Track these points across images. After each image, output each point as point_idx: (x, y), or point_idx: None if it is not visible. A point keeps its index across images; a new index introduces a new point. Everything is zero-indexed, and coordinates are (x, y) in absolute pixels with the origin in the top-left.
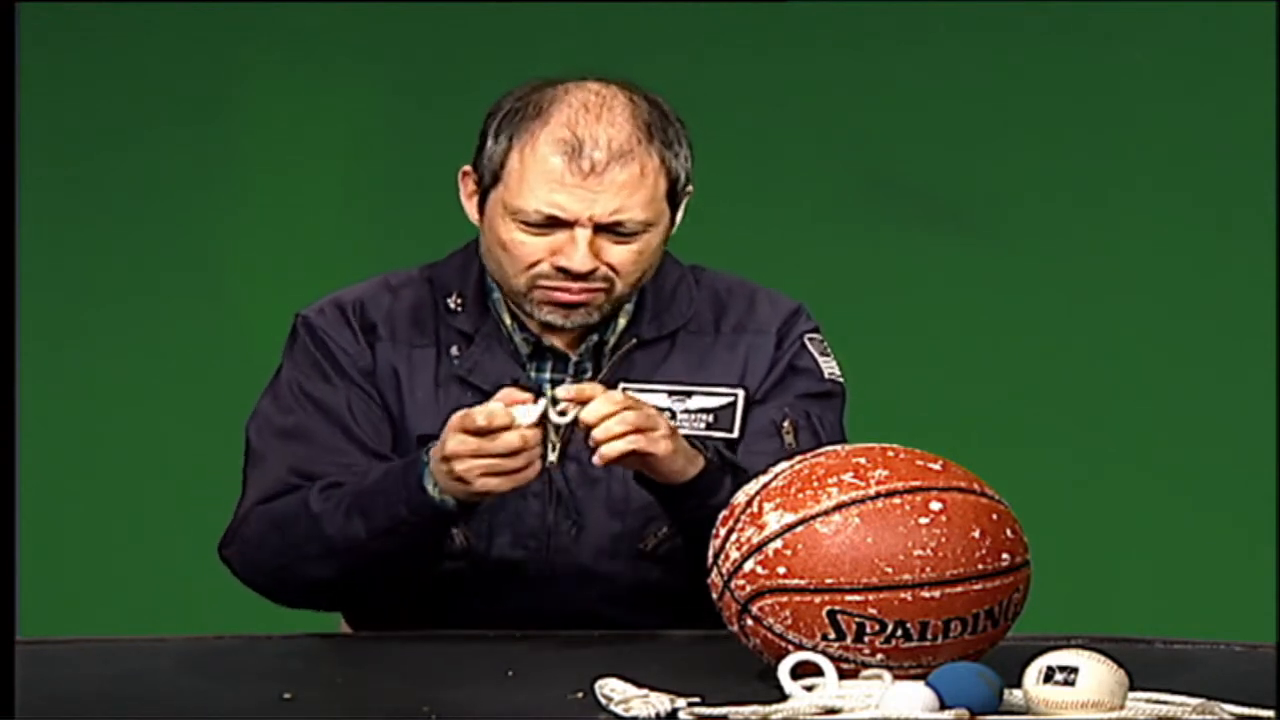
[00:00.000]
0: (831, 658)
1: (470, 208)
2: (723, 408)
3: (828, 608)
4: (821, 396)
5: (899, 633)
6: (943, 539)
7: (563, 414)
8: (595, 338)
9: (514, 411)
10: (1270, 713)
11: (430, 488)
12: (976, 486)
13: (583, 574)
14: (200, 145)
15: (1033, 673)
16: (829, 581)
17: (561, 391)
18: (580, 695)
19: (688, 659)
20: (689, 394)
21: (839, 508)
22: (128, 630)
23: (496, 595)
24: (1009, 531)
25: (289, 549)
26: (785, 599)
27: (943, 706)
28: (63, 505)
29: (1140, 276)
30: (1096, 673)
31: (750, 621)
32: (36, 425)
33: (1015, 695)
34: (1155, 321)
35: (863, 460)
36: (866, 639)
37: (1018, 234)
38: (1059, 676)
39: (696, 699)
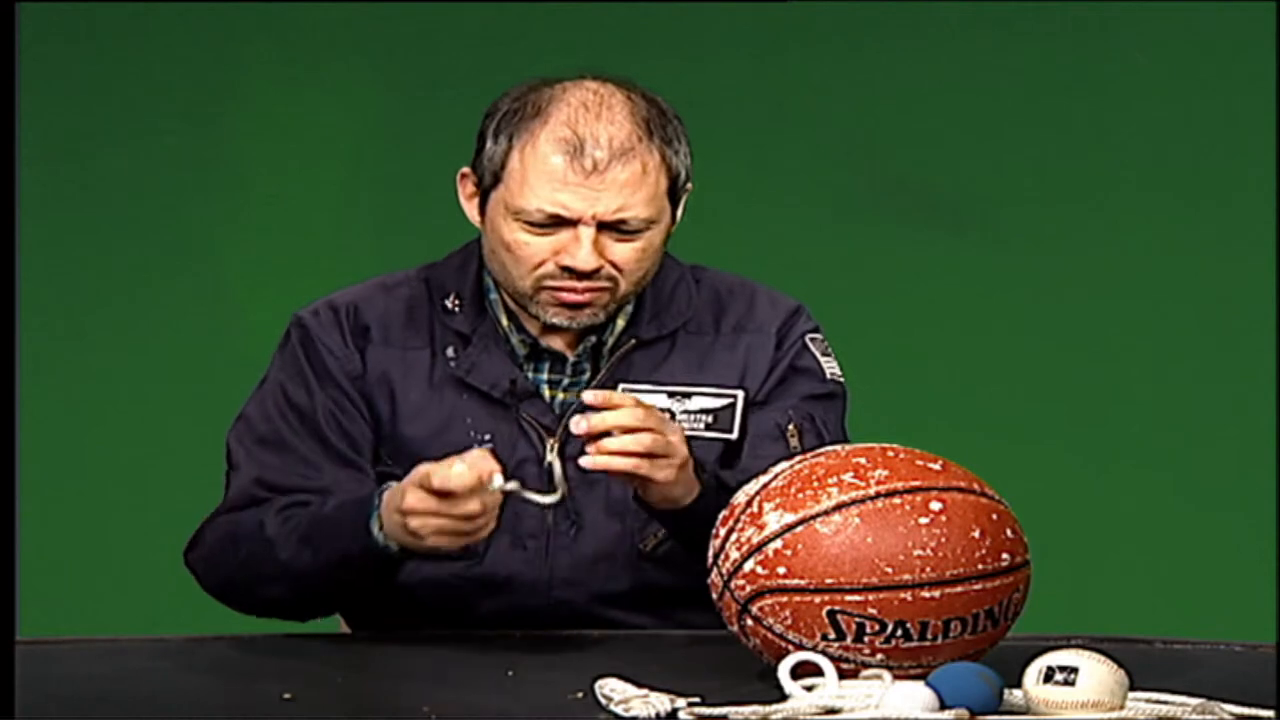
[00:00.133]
0: (831, 658)
1: (470, 209)
2: (723, 408)
3: (828, 608)
4: (824, 398)
5: (899, 633)
6: (943, 539)
7: (517, 491)
8: (594, 338)
9: (484, 478)
10: (1270, 713)
11: (375, 530)
12: (976, 486)
13: (582, 574)
14: (200, 145)
15: (1033, 673)
16: (829, 581)
17: (589, 396)
18: (580, 695)
19: (688, 659)
20: (689, 395)
21: (839, 508)
22: (128, 630)
23: (496, 595)
24: (1009, 531)
25: (243, 566)
26: (785, 599)
27: (943, 706)
28: (63, 505)
29: (1140, 276)
30: (1096, 673)
31: (750, 621)
32: (36, 425)
33: (1015, 695)
34: (1155, 321)
35: (863, 460)
36: (866, 639)
37: (1017, 234)
38: (1059, 676)
39: (696, 699)
